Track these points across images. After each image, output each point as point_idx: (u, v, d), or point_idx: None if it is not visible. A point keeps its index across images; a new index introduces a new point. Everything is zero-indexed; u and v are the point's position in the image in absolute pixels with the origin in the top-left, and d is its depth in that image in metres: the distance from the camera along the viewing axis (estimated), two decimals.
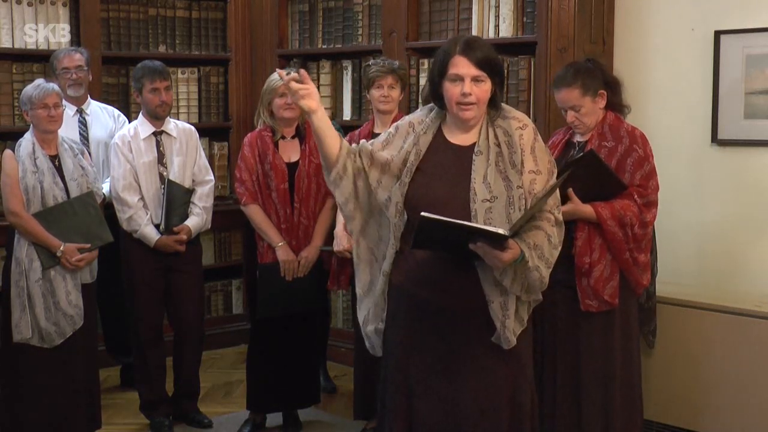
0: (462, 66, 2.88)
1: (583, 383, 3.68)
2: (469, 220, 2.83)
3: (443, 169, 2.94)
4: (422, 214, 2.72)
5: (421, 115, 3.05)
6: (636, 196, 3.59)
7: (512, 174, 2.90)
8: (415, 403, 2.95)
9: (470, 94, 2.87)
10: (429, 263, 2.91)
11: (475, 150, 2.94)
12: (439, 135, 2.99)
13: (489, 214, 2.86)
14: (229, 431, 4.57)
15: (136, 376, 4.71)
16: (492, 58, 2.92)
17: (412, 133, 2.99)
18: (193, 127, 4.71)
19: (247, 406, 4.57)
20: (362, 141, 3.07)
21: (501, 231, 2.75)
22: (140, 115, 4.58)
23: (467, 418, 2.93)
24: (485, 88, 2.90)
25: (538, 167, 2.94)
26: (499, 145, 2.94)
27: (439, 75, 2.93)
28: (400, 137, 3.00)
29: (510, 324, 2.91)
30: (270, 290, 4.32)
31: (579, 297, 3.61)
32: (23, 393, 4.09)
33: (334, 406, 4.97)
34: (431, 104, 3.06)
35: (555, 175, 3.00)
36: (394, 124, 3.09)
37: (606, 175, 3.53)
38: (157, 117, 4.52)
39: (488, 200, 2.87)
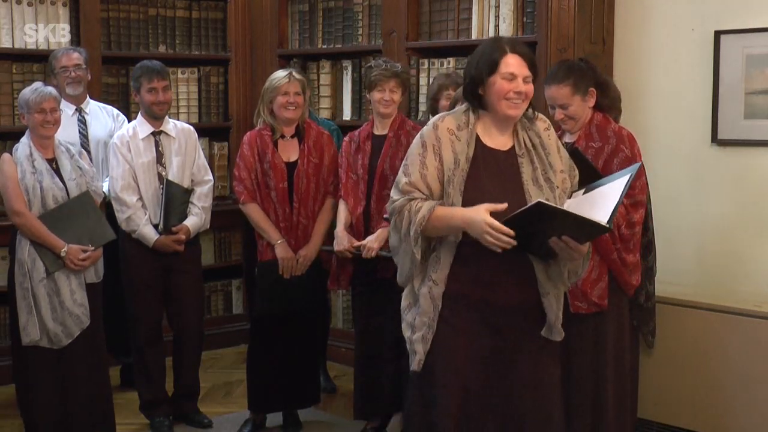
0: (517, 65, 2.93)
1: (573, 385, 3.65)
2: None
3: (491, 174, 2.96)
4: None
5: (455, 120, 3.00)
6: None
7: (551, 175, 2.99)
8: (471, 401, 2.96)
9: (523, 93, 2.94)
10: (481, 264, 2.92)
11: (519, 153, 2.99)
12: (477, 140, 2.99)
13: None
14: (229, 431, 4.57)
15: (136, 376, 4.71)
16: (534, 58, 3.02)
17: (455, 140, 2.96)
18: (192, 127, 4.71)
19: (247, 406, 4.57)
20: (429, 204, 2.94)
21: (604, 223, 2.83)
22: (139, 114, 4.58)
23: (523, 411, 2.97)
24: (531, 87, 2.98)
25: (563, 166, 3.05)
26: (534, 148, 3.01)
27: (488, 72, 2.93)
28: (446, 147, 2.95)
29: (560, 316, 3.00)
30: (268, 288, 4.32)
31: (568, 299, 3.60)
32: (34, 393, 4.09)
33: (334, 406, 4.97)
34: (463, 107, 3.05)
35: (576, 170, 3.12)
36: (429, 135, 2.97)
37: (590, 173, 3.51)
38: (154, 116, 4.51)
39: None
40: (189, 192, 4.57)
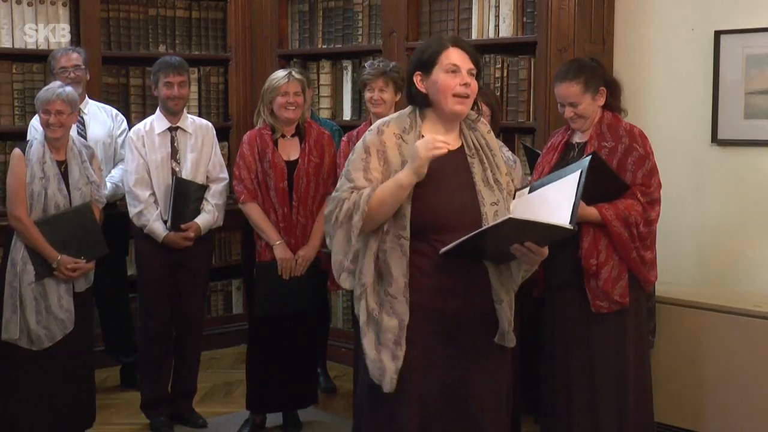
0: (459, 57, 2.88)
1: (598, 385, 3.64)
2: (480, 225, 2.84)
3: (442, 174, 2.89)
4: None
5: (400, 124, 2.94)
6: (639, 195, 3.58)
7: (499, 176, 2.95)
8: (428, 412, 2.92)
9: (470, 84, 2.88)
10: (438, 273, 2.88)
11: (468, 153, 2.94)
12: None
13: (496, 216, 2.87)
14: (229, 431, 4.57)
15: (141, 373, 4.68)
16: (476, 53, 2.96)
17: (402, 143, 2.90)
18: (210, 124, 4.70)
19: (246, 406, 4.56)
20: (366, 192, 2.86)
21: (569, 226, 2.81)
22: (157, 110, 4.59)
23: (480, 419, 2.95)
24: (476, 82, 2.91)
25: (506, 169, 3.02)
26: (482, 148, 2.96)
27: (426, 69, 2.89)
28: (392, 150, 2.89)
29: (513, 322, 2.96)
30: (267, 289, 4.32)
31: (589, 299, 3.60)
32: (12, 391, 4.08)
33: (334, 406, 4.97)
34: (407, 110, 2.99)
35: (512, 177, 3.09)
36: (373, 140, 2.91)
37: (609, 177, 3.52)
38: (169, 111, 4.51)
39: (495, 203, 2.90)
40: (203, 188, 4.56)
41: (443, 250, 2.81)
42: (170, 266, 4.53)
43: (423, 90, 2.92)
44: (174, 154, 4.52)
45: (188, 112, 4.67)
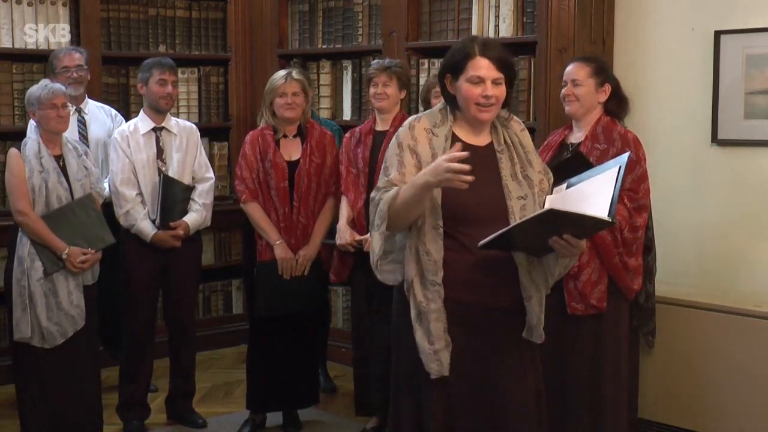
0: (484, 68, 2.90)
1: (571, 386, 3.65)
2: (506, 218, 2.89)
3: (470, 170, 2.91)
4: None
5: (431, 119, 2.99)
6: (626, 200, 3.57)
7: (530, 172, 2.98)
8: (454, 404, 2.95)
9: (492, 96, 2.91)
10: (469, 268, 2.90)
11: (498, 149, 2.99)
12: (454, 136, 2.98)
13: (523, 211, 2.91)
14: (229, 431, 4.57)
15: (122, 374, 4.62)
16: (508, 59, 2.98)
17: (433, 137, 2.95)
18: (194, 125, 4.71)
19: (247, 406, 4.57)
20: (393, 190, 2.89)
21: (607, 218, 2.82)
22: (141, 111, 4.58)
23: (506, 414, 2.96)
24: (503, 89, 2.95)
25: (540, 167, 3.05)
26: (513, 145, 3.01)
27: (454, 74, 2.94)
28: (423, 144, 2.94)
29: (542, 319, 2.98)
30: (268, 289, 4.32)
31: (566, 300, 3.60)
32: (29, 392, 4.10)
33: (334, 406, 4.97)
34: (438, 105, 3.05)
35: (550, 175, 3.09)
36: (405, 135, 2.95)
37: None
38: (158, 110, 4.51)
39: (522, 197, 2.93)
40: (190, 189, 4.56)
41: (482, 243, 2.82)
42: (158, 269, 4.51)
43: (452, 92, 2.98)
44: (160, 153, 4.51)
45: (188, 112, 4.68)
